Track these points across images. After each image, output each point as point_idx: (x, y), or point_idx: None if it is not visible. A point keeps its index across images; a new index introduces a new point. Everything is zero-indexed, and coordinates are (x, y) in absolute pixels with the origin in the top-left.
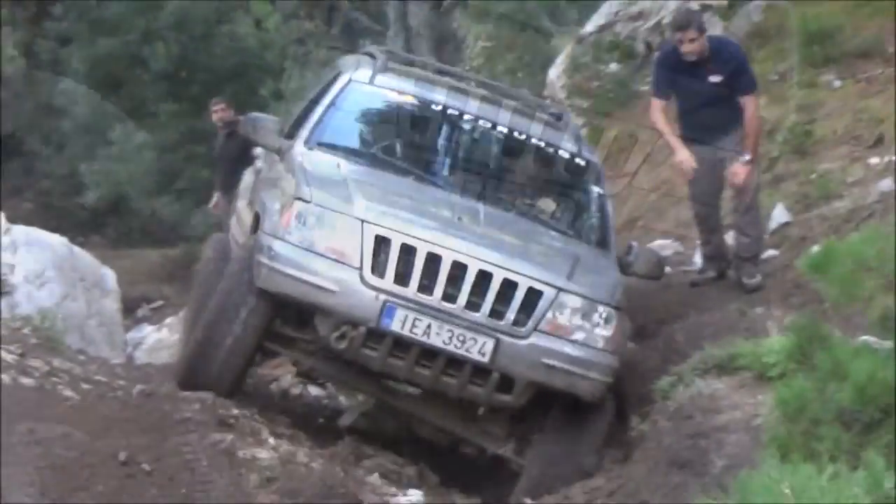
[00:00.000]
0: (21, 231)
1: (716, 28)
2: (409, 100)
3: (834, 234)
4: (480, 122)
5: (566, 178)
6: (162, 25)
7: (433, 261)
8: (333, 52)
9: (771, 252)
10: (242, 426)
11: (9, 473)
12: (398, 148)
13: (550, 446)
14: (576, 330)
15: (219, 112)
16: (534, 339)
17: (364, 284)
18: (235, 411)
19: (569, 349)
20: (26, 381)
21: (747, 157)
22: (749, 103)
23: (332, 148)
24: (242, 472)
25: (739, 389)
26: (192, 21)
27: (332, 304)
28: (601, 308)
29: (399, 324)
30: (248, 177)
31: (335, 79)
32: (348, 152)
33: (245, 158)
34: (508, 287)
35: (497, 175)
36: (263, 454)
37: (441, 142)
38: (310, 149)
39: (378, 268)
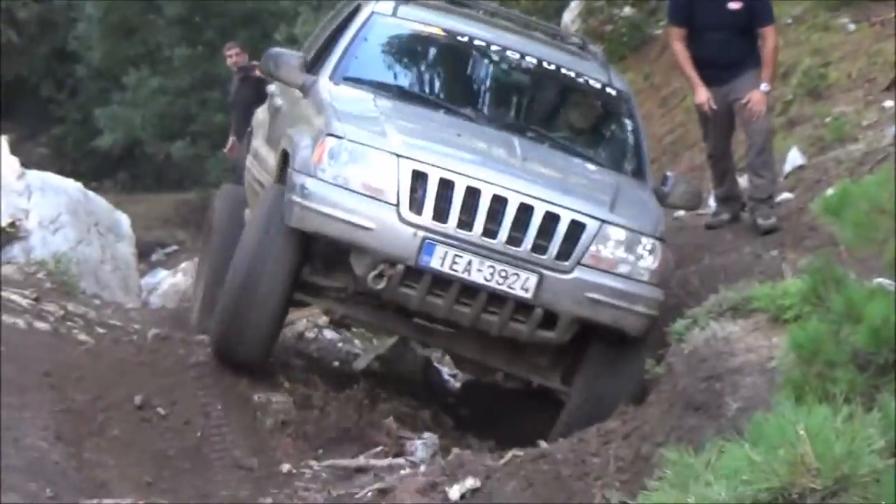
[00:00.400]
0: (35, 176)
1: None
2: (435, 31)
3: (849, 177)
4: (509, 52)
5: (599, 108)
6: None
7: (472, 195)
8: None
9: (785, 195)
10: (257, 370)
11: (25, 417)
12: (427, 81)
13: (595, 377)
14: (620, 263)
15: (233, 56)
16: (578, 273)
17: (402, 221)
18: None
19: (613, 282)
20: (41, 325)
21: (766, 88)
22: (769, 34)
23: (358, 82)
24: (257, 416)
25: (754, 332)
26: None
27: (368, 242)
28: (645, 240)
29: (439, 261)
30: (261, 114)
31: (356, 11)
32: (376, 86)
33: (260, 102)
34: (551, 220)
35: (529, 106)
36: (278, 398)
37: (471, 74)
38: (336, 84)
39: (416, 204)
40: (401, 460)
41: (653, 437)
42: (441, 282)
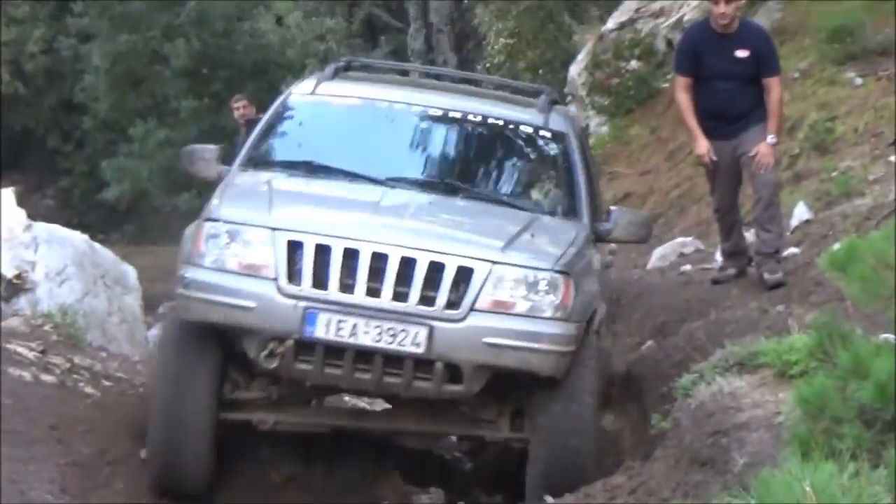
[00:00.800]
0: (42, 228)
1: None
2: (353, 101)
3: (855, 232)
4: (430, 111)
5: (528, 153)
6: (183, 22)
7: (351, 256)
8: (355, 49)
9: (792, 250)
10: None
11: (30, 470)
12: (338, 152)
13: (546, 416)
14: (518, 302)
15: (240, 109)
16: (471, 320)
17: (282, 295)
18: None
19: (512, 324)
20: (47, 377)
21: (773, 140)
22: (774, 85)
23: (267, 165)
24: (265, 470)
25: (761, 387)
26: (212, 18)
27: (251, 321)
28: (543, 275)
29: (323, 329)
30: None
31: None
32: (284, 166)
33: None
34: (435, 270)
35: (448, 161)
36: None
37: (386, 137)
38: (243, 169)
39: (294, 275)
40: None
41: (659, 493)
42: (335, 351)
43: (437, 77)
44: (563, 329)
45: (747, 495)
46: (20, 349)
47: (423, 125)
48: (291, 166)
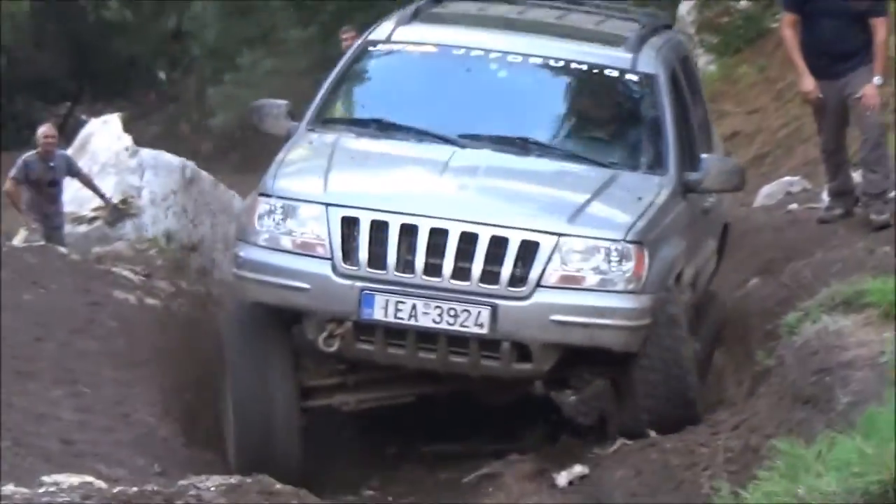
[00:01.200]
0: (148, 154)
1: None
2: (428, 50)
3: None
4: (509, 57)
5: (613, 99)
6: None
7: (409, 232)
8: None
9: None
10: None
11: (134, 392)
12: (410, 108)
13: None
14: (587, 276)
15: (348, 41)
16: (538, 297)
17: (337, 275)
18: None
19: (581, 299)
20: (152, 301)
21: (879, 81)
22: (880, 25)
23: (335, 123)
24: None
25: (866, 326)
26: None
27: (307, 303)
28: (613, 246)
29: (381, 311)
30: None
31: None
32: (351, 124)
33: None
34: (498, 245)
35: (526, 113)
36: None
37: (461, 90)
38: (310, 129)
39: (351, 253)
40: (508, 445)
41: (762, 429)
42: (397, 332)
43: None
44: (635, 302)
45: (853, 432)
46: (126, 273)
47: (501, 74)
48: (359, 125)
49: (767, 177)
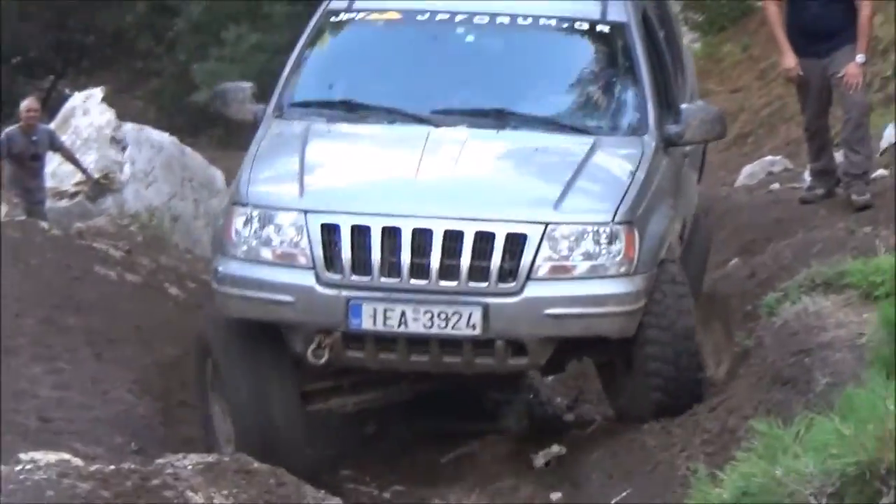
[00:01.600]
0: (131, 129)
1: None
2: (392, 17)
3: None
4: (475, 18)
5: (587, 55)
6: None
7: (392, 235)
8: None
9: (881, 172)
10: None
11: (113, 369)
12: (377, 83)
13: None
14: (578, 264)
15: None
16: (529, 291)
17: (322, 284)
18: None
19: (574, 289)
20: (133, 277)
21: (862, 59)
22: (864, 4)
23: (303, 107)
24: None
25: (845, 307)
26: None
27: (292, 316)
28: (602, 229)
29: (370, 320)
30: None
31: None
32: (320, 107)
33: None
34: (484, 241)
35: (499, 79)
36: None
37: (431, 60)
38: (277, 116)
39: (334, 261)
40: (485, 425)
41: (740, 411)
42: (387, 339)
43: None
44: (629, 286)
45: (831, 413)
46: (107, 248)
47: (469, 38)
48: (328, 107)
49: (750, 156)
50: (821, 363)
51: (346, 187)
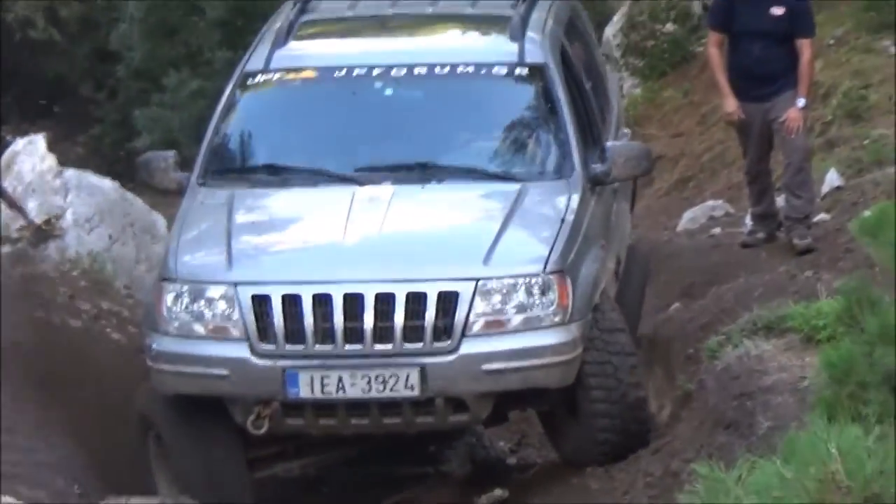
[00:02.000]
0: (72, 174)
1: None
2: (308, 76)
3: (886, 200)
4: (393, 71)
5: (506, 102)
6: None
7: (324, 302)
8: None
9: (822, 216)
10: None
11: (56, 414)
12: (298, 144)
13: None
14: (512, 318)
15: None
16: (465, 348)
17: (257, 356)
18: None
19: (510, 343)
20: (75, 322)
21: (803, 103)
22: (806, 48)
23: (225, 174)
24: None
25: (787, 351)
26: None
27: (229, 389)
28: (534, 280)
29: (307, 388)
30: None
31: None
32: (243, 173)
33: None
34: (416, 301)
35: (414, 135)
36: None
37: (349, 118)
38: (202, 184)
39: (267, 331)
40: (429, 469)
41: (682, 454)
42: (326, 405)
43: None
44: (565, 335)
45: (773, 456)
46: (49, 294)
47: (388, 91)
48: (251, 172)
49: (691, 201)
50: (763, 406)
51: (275, 256)
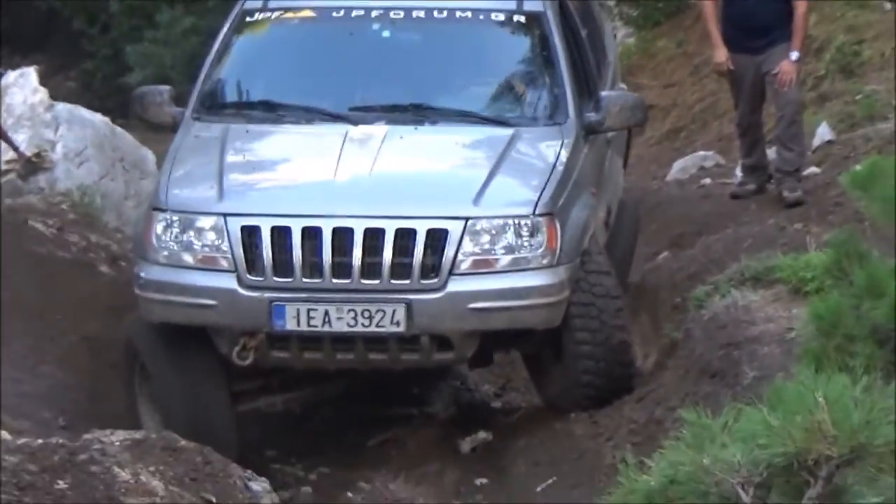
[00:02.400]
0: (63, 108)
1: None
2: (307, 15)
3: (877, 155)
4: (392, 14)
5: (502, 48)
6: None
7: (312, 236)
8: None
9: (813, 169)
10: None
11: (43, 345)
12: (294, 82)
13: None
14: (500, 258)
15: None
16: (452, 287)
17: (244, 287)
18: None
19: (497, 283)
20: (64, 254)
21: (796, 56)
22: (801, 1)
23: (220, 109)
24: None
25: (774, 302)
26: None
27: (216, 320)
28: (523, 222)
29: (293, 321)
30: None
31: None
32: (238, 109)
33: None
34: (405, 238)
35: (417, 74)
36: None
37: (348, 57)
38: (196, 118)
39: (255, 263)
40: (413, 410)
41: (667, 402)
42: (312, 338)
43: None
44: (552, 277)
45: (759, 404)
46: (37, 226)
47: (385, 34)
48: (246, 108)
49: (681, 151)
50: (749, 356)
51: (266, 189)
